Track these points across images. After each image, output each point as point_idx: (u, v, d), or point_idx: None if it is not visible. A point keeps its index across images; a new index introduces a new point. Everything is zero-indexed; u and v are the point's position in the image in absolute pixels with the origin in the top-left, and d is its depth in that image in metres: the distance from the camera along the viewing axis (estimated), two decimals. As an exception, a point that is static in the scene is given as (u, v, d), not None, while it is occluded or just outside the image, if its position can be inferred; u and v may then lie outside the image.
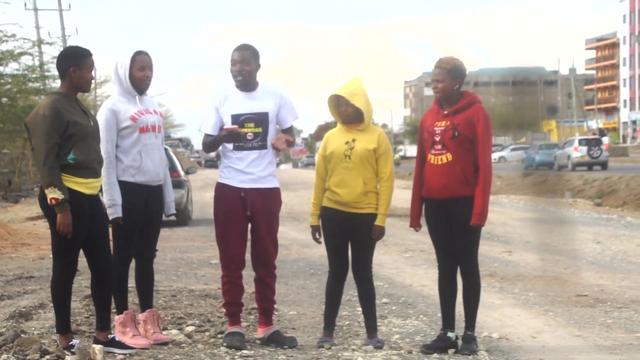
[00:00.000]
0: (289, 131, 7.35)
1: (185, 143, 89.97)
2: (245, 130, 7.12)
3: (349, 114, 7.27)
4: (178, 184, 20.06)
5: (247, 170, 7.15)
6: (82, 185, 6.41)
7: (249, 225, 7.21)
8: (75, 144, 6.37)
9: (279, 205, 7.32)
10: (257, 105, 7.18)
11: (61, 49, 46.34)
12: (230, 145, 7.18)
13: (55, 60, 36.12)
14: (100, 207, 6.63)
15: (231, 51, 7.17)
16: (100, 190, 6.67)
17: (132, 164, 7.01)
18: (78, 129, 6.38)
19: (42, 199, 6.40)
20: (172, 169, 20.17)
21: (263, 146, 7.18)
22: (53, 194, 6.25)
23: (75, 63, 6.46)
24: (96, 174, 6.53)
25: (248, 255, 7.25)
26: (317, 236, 7.40)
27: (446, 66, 7.17)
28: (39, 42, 36.68)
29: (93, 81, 6.69)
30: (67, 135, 6.34)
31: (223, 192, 7.20)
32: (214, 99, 7.23)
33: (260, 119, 7.16)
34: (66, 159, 6.35)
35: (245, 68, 7.12)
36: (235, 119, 7.13)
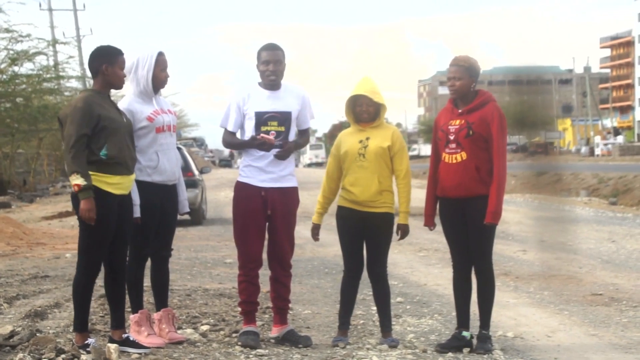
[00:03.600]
0: (306, 132, 7.40)
1: (200, 142, 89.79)
2: (268, 128, 7.15)
3: (370, 113, 7.27)
4: (192, 184, 20.02)
5: (267, 169, 7.16)
6: (112, 186, 6.44)
7: (267, 224, 7.22)
8: (108, 138, 6.43)
9: (297, 204, 7.33)
10: (281, 104, 7.20)
11: (76, 48, 46.62)
12: None
13: (69, 60, 35.94)
14: (130, 207, 6.66)
15: (257, 50, 7.21)
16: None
17: (149, 164, 7.01)
18: (110, 123, 6.46)
19: (76, 197, 6.42)
20: (187, 168, 20.16)
21: (284, 145, 7.19)
22: (76, 181, 6.28)
23: (108, 61, 6.58)
24: (128, 171, 6.57)
25: (264, 255, 7.25)
26: (316, 234, 7.43)
27: (464, 64, 7.14)
28: (54, 42, 36.76)
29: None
30: (99, 128, 6.40)
31: (243, 191, 7.21)
32: (236, 96, 7.25)
33: (284, 118, 7.18)
34: (99, 154, 6.40)
35: (279, 68, 7.18)
36: (259, 116, 7.15)
